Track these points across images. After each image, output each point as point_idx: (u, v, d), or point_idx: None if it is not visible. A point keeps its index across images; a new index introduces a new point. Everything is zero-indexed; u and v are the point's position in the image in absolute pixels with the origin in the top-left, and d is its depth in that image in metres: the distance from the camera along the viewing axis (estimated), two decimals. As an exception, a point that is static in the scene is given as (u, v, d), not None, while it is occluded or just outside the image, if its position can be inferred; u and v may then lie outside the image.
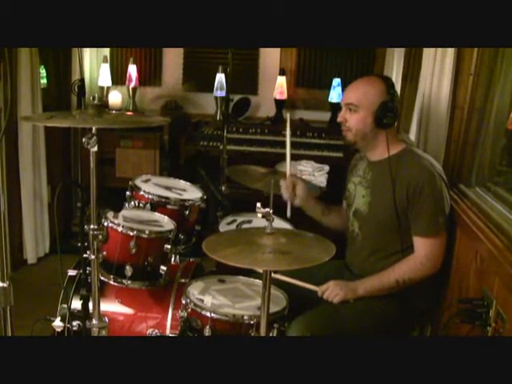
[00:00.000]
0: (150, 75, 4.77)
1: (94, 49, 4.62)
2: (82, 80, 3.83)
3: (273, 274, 2.19)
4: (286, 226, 2.74)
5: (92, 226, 2.06)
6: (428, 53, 2.80)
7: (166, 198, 2.65)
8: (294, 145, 4.23)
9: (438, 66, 2.69)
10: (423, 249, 2.21)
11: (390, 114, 2.24)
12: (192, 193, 2.84)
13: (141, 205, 2.64)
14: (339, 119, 2.34)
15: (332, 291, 2.21)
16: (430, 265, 2.21)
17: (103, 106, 2.07)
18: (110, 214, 2.35)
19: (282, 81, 4.49)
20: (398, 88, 3.55)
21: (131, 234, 2.29)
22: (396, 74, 3.67)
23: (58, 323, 2.33)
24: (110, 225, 2.29)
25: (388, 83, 2.29)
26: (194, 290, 2.26)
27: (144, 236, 2.31)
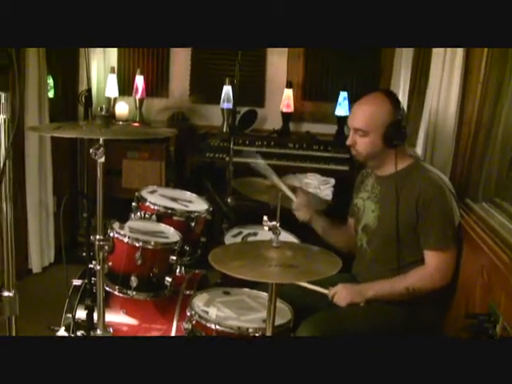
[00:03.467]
0: (157, 86, 4.79)
1: (102, 59, 4.65)
2: (89, 90, 3.84)
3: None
4: (292, 239, 2.74)
5: (98, 237, 2.07)
6: (436, 64, 2.79)
7: (172, 209, 2.66)
8: (300, 158, 4.27)
9: (446, 78, 2.68)
10: (432, 261, 2.21)
11: (398, 133, 2.23)
12: (198, 204, 2.84)
13: (147, 216, 2.64)
14: (348, 142, 2.31)
15: (340, 294, 2.21)
16: (438, 277, 2.20)
17: (110, 116, 2.08)
18: (116, 225, 2.36)
19: (288, 93, 4.50)
20: (404, 102, 3.57)
21: (137, 244, 2.29)
22: (403, 87, 3.67)
23: (62, 333, 2.33)
24: (116, 235, 2.30)
25: (394, 100, 2.28)
26: (199, 302, 2.25)
27: (150, 247, 2.31)
